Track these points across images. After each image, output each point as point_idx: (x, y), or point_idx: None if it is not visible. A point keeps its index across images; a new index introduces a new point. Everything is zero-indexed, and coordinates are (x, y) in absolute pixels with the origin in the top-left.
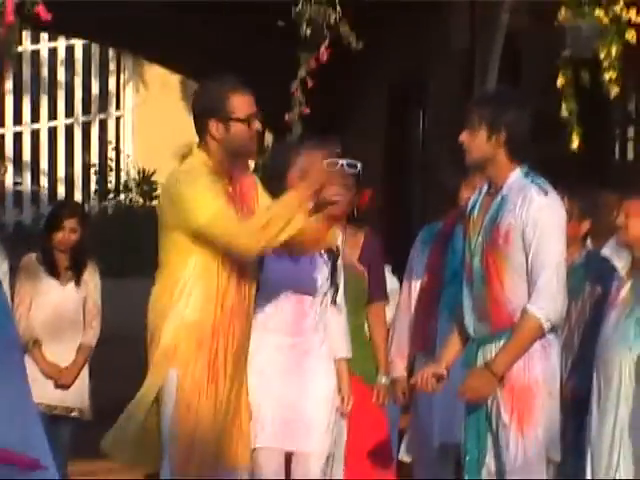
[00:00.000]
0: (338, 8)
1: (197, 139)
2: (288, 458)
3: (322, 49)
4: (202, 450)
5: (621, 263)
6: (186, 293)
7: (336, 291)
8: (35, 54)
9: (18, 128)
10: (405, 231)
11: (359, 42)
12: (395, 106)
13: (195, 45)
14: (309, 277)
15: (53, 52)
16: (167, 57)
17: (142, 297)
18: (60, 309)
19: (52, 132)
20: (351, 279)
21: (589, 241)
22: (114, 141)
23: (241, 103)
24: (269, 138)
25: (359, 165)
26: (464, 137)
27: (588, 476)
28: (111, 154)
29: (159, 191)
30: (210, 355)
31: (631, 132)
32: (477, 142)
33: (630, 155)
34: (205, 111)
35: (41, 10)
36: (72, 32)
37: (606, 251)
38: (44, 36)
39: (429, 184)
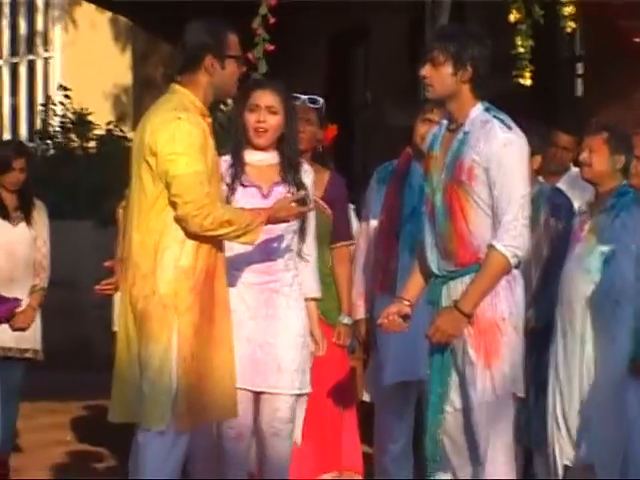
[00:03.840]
0: None
1: (179, 76)
2: (257, 399)
3: None
4: (204, 402)
5: (581, 199)
6: (179, 239)
7: (306, 229)
8: None
9: None
10: (349, 171)
11: None
12: (338, 48)
13: None
14: None
15: None
16: None
17: (78, 239)
18: (13, 250)
19: None
20: (316, 218)
21: (540, 178)
22: (42, 82)
23: (235, 43)
24: None
25: (321, 101)
26: (427, 72)
27: (558, 410)
28: (39, 96)
29: (95, 132)
30: (205, 299)
31: (580, 69)
32: (441, 77)
33: (579, 92)
34: (204, 45)
35: None
36: None
37: (561, 187)
38: None
39: (372, 125)
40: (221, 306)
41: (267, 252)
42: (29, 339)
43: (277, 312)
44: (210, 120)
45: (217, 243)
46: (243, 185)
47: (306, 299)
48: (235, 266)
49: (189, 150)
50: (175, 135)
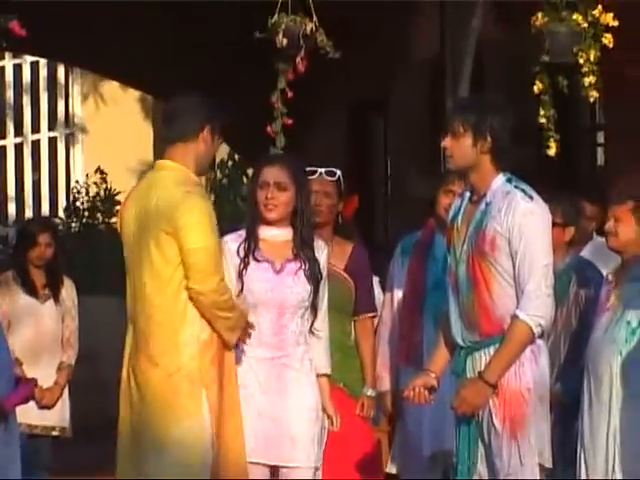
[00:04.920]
0: (314, 18)
1: (167, 149)
2: (275, 473)
3: (299, 59)
4: (223, 472)
5: (605, 268)
6: (198, 314)
7: (317, 305)
8: None
9: None
10: (371, 243)
11: (337, 51)
12: (357, 119)
13: (154, 61)
14: (291, 290)
15: (1, 71)
16: (123, 73)
17: (101, 315)
18: (40, 328)
19: (1, 151)
20: (337, 289)
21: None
22: (64, 159)
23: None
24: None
25: (338, 173)
26: (447, 143)
27: None
28: (61, 172)
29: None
30: (221, 372)
31: (600, 138)
32: (461, 148)
33: (600, 160)
34: (206, 117)
35: (15, 26)
36: (25, 50)
37: (585, 256)
38: None
39: (393, 196)
40: (230, 375)
41: (278, 327)
42: (55, 416)
43: (288, 386)
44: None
45: None
46: (257, 260)
47: (318, 375)
48: (247, 341)
49: (205, 223)
50: (190, 209)
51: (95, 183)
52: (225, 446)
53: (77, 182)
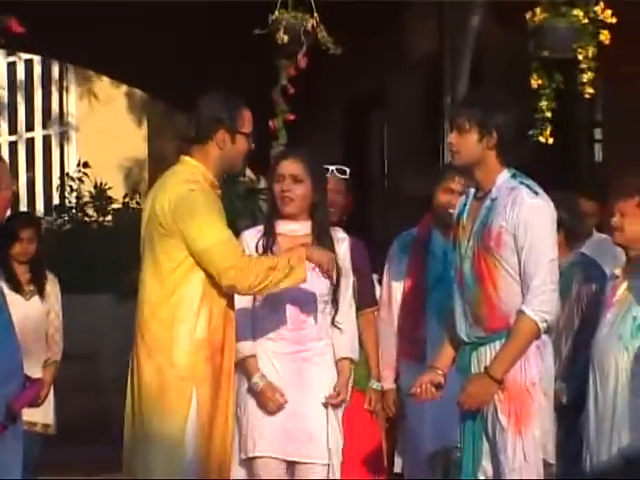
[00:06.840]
0: (315, 14)
1: (188, 147)
2: (291, 468)
3: (300, 56)
4: (210, 469)
5: (604, 265)
6: (194, 312)
7: (339, 299)
8: None
9: None
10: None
11: (337, 48)
12: (355, 116)
13: (149, 56)
14: (309, 285)
15: None
16: (117, 70)
17: (97, 313)
18: (25, 324)
19: None
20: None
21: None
22: (59, 157)
23: (249, 119)
24: None
25: (347, 170)
26: (453, 139)
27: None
28: (55, 170)
29: (114, 205)
30: (216, 370)
31: (598, 134)
32: (467, 144)
33: (598, 157)
34: (217, 119)
35: (13, 24)
36: (19, 47)
37: (586, 252)
38: None
39: (390, 193)
40: (226, 376)
41: (298, 322)
42: (40, 413)
43: (308, 382)
44: (219, 192)
45: (228, 315)
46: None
47: (339, 359)
48: (267, 336)
49: (211, 218)
50: (193, 209)
51: (80, 179)
52: (213, 444)
53: (65, 177)
